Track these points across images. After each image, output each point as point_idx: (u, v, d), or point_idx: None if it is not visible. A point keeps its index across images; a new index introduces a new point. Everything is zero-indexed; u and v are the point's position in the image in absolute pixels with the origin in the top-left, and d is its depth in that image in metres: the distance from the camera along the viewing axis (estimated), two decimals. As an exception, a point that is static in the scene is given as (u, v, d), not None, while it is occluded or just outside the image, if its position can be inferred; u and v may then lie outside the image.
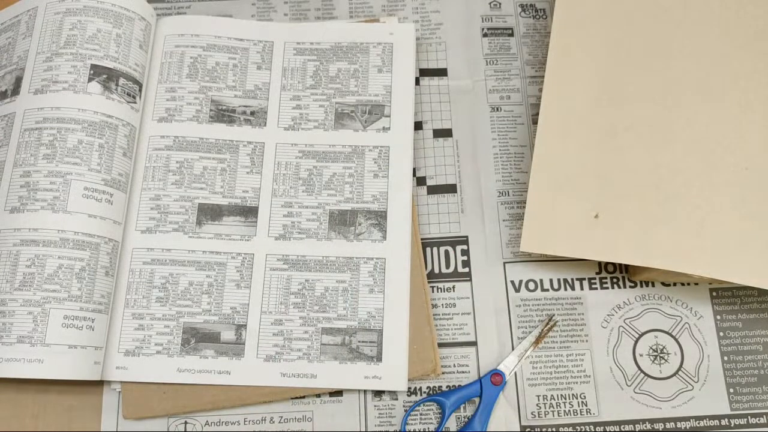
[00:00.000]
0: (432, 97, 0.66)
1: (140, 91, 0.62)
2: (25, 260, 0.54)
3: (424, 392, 0.58)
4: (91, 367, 0.54)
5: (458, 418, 0.57)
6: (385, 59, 0.64)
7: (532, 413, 0.57)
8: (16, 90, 0.59)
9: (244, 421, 0.56)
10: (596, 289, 0.61)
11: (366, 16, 0.69)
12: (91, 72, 0.59)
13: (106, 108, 0.59)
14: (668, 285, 0.61)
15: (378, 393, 0.58)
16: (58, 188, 0.56)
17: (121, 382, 0.56)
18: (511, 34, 0.69)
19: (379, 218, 0.60)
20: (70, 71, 0.59)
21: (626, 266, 0.61)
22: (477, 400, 0.57)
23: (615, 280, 0.61)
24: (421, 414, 0.57)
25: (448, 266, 0.61)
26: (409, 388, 0.58)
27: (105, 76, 0.59)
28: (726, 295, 0.61)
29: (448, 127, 0.65)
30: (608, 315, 0.60)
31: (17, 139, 0.58)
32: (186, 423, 0.56)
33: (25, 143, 0.57)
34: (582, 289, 0.61)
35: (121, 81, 0.60)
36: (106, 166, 0.58)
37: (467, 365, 0.59)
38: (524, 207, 0.58)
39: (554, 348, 0.59)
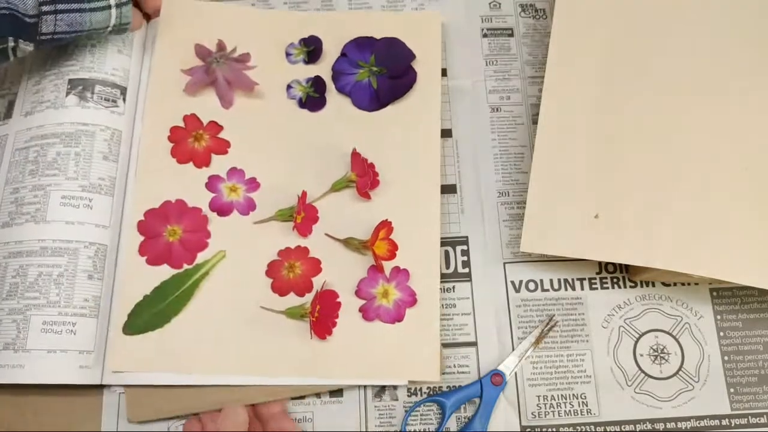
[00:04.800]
0: (432, 97, 0.66)
1: (123, 93, 0.62)
2: (12, 272, 0.55)
3: (425, 393, 0.58)
4: (75, 371, 0.54)
5: (458, 418, 0.57)
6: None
7: (532, 413, 0.57)
8: (8, 113, 0.62)
9: (245, 422, 0.56)
10: (596, 289, 0.61)
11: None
12: (68, 86, 0.60)
13: (82, 117, 0.59)
14: (668, 285, 0.61)
15: (378, 393, 0.58)
16: (39, 200, 0.57)
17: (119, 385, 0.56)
18: (511, 35, 0.69)
19: None
20: (52, 90, 0.60)
21: (626, 266, 0.61)
22: (477, 400, 0.57)
23: (615, 280, 0.61)
24: (421, 414, 0.57)
25: (448, 266, 0.61)
26: (409, 388, 0.58)
27: (80, 87, 0.60)
28: (726, 295, 0.61)
29: (447, 128, 0.65)
30: (608, 315, 0.60)
31: (9, 159, 0.59)
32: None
33: (16, 162, 0.59)
34: (582, 289, 0.61)
35: (97, 88, 0.60)
36: (83, 173, 0.58)
37: (467, 365, 0.58)
38: (524, 207, 0.58)
39: (554, 348, 0.59)
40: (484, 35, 0.69)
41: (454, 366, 0.58)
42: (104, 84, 0.61)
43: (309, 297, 0.57)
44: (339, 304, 0.57)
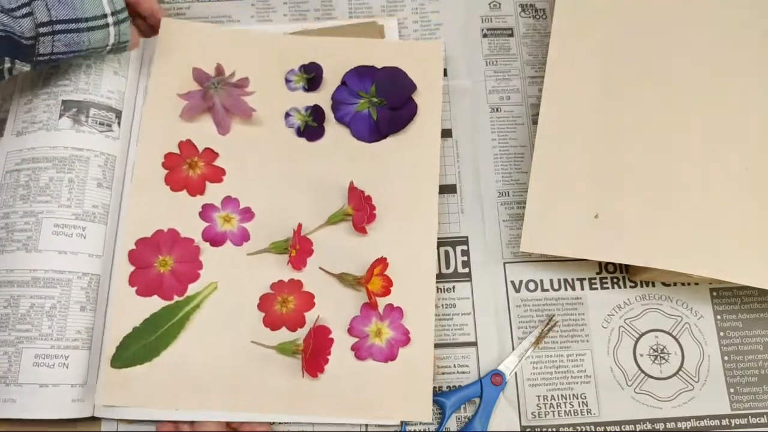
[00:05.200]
0: (432, 97, 0.66)
1: (118, 117, 0.60)
2: (2, 302, 0.54)
3: (425, 392, 0.58)
4: (68, 405, 0.53)
5: (458, 418, 0.57)
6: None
7: (532, 413, 0.57)
8: (0, 132, 0.60)
9: (245, 422, 0.56)
10: (596, 289, 0.61)
11: (366, 17, 0.69)
12: (62, 108, 0.58)
13: (76, 141, 0.58)
14: (668, 285, 0.61)
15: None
16: (31, 228, 0.55)
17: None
18: (511, 35, 0.69)
19: None
20: (44, 110, 0.59)
21: (626, 266, 0.61)
22: (477, 400, 0.57)
23: (615, 280, 0.61)
24: (421, 414, 0.57)
25: (448, 266, 0.61)
26: (410, 388, 0.58)
27: (75, 109, 0.58)
28: (726, 295, 0.61)
29: (448, 128, 0.65)
30: (608, 315, 0.60)
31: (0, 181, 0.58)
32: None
33: (6, 185, 0.57)
34: (582, 289, 0.61)
35: (92, 111, 0.59)
36: (76, 200, 0.57)
37: (467, 365, 0.58)
38: (524, 207, 0.58)
39: (554, 348, 0.59)
40: (484, 35, 0.69)
41: (454, 366, 0.58)
42: (99, 107, 0.59)
43: (301, 332, 0.56)
44: (331, 340, 0.56)
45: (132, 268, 0.57)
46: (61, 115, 0.58)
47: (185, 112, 0.61)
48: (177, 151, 0.61)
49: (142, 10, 0.61)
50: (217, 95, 0.61)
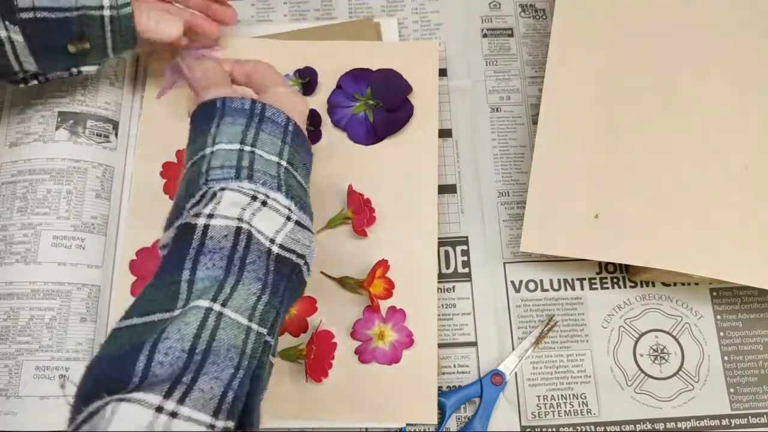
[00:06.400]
0: (432, 97, 0.66)
1: (115, 128, 0.60)
2: (2, 314, 0.54)
3: (425, 392, 0.58)
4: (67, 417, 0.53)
5: (458, 418, 0.57)
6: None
7: (532, 413, 0.57)
8: None
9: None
10: (596, 289, 0.61)
11: (366, 17, 0.69)
12: (59, 119, 0.58)
13: (74, 153, 0.58)
14: (668, 285, 0.61)
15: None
16: (29, 240, 0.55)
17: None
18: (511, 35, 0.69)
19: None
20: (39, 121, 0.58)
21: (626, 266, 0.61)
22: (477, 400, 0.57)
23: (615, 280, 0.61)
24: (421, 414, 0.57)
25: (448, 266, 0.61)
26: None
27: (72, 121, 0.58)
28: (726, 295, 0.61)
29: (448, 128, 0.65)
30: (608, 315, 0.60)
31: None
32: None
33: (3, 197, 0.57)
34: (582, 289, 0.61)
35: (89, 123, 0.59)
36: (75, 212, 0.57)
37: (467, 365, 0.58)
38: (524, 207, 0.58)
39: (554, 348, 0.59)
40: (484, 35, 0.69)
41: (454, 366, 0.58)
42: (96, 118, 0.59)
43: (304, 337, 0.56)
44: (335, 345, 0.56)
45: (134, 279, 0.57)
46: (57, 127, 0.58)
47: (161, 92, 0.61)
48: (175, 160, 0.60)
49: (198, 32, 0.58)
50: (183, 63, 0.57)
